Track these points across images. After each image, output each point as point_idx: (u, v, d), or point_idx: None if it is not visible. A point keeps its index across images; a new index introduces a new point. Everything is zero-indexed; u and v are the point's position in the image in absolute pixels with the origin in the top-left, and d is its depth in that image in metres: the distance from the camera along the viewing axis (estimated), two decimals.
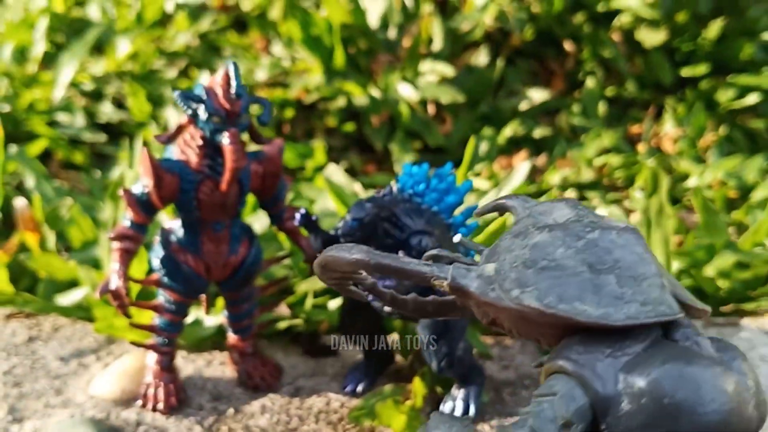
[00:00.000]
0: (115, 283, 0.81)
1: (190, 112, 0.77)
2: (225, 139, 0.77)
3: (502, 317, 0.47)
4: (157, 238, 0.86)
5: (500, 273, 0.45)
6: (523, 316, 0.44)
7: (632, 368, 0.42)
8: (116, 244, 0.82)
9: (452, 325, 0.84)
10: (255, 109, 0.82)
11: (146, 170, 0.80)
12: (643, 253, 0.46)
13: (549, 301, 0.43)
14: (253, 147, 0.88)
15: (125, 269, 0.82)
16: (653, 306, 0.43)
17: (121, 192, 0.81)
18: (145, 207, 0.81)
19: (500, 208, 0.55)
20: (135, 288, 1.03)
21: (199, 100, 0.77)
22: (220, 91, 0.77)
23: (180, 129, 0.80)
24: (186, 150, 0.81)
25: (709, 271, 1.10)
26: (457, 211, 0.89)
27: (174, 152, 0.82)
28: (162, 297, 0.89)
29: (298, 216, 0.81)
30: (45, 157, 1.74)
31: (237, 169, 0.78)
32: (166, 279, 0.86)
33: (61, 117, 1.75)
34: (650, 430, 0.41)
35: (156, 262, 0.86)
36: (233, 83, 0.77)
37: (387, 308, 0.86)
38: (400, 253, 0.80)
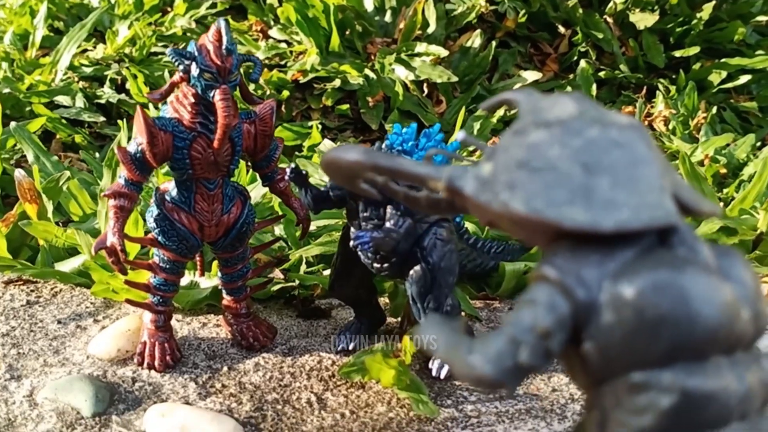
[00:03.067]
0: (111, 239, 0.83)
1: (182, 67, 0.79)
2: (216, 95, 0.79)
3: (497, 220, 0.45)
4: (153, 198, 0.88)
5: (494, 174, 0.42)
6: (512, 220, 0.41)
7: (618, 276, 0.39)
8: (111, 202, 0.84)
9: (440, 282, 0.86)
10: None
11: (140, 128, 0.82)
12: (645, 153, 0.42)
13: (536, 206, 0.40)
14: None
15: (120, 226, 0.83)
16: (647, 211, 0.39)
17: (115, 149, 0.83)
18: (139, 165, 0.83)
19: (505, 103, 0.51)
20: (133, 251, 1.05)
21: (191, 57, 0.79)
22: (211, 48, 0.79)
23: (172, 86, 0.82)
24: (179, 108, 0.83)
25: None
26: None
27: (167, 111, 0.84)
28: (157, 257, 0.91)
29: (288, 170, 0.83)
30: (46, 138, 1.76)
31: (228, 125, 0.79)
32: (160, 238, 0.88)
33: (61, 99, 1.77)
34: (631, 342, 0.38)
35: (151, 221, 0.88)
36: (224, 40, 0.79)
37: (376, 265, 0.88)
38: (389, 208, 0.82)
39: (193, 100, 0.82)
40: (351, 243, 0.83)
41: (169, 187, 0.89)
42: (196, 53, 0.79)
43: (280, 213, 1.14)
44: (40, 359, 0.94)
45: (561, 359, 0.42)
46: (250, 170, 1.30)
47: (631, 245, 0.40)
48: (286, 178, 0.85)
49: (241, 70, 0.84)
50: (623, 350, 0.39)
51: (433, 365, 0.93)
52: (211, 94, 0.80)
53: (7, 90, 1.72)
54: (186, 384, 0.91)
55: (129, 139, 1.41)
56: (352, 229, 0.86)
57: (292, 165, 0.84)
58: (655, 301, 0.38)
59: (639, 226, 0.39)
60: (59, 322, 1.02)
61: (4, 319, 1.02)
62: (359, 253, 0.88)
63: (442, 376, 0.92)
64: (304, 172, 0.84)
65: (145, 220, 0.93)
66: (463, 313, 1.03)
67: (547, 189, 0.40)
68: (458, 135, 0.51)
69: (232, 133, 0.84)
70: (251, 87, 1.66)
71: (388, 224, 0.82)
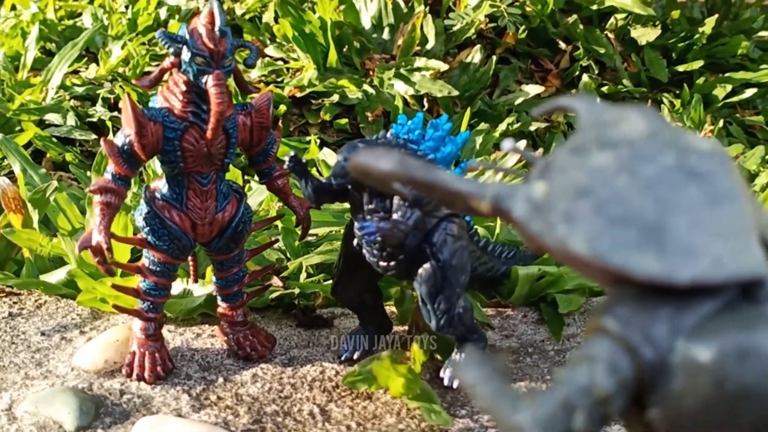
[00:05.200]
0: (96, 237, 0.77)
1: (172, 50, 0.74)
2: (210, 80, 0.74)
3: (550, 252, 0.38)
4: (142, 196, 0.83)
5: (549, 199, 0.36)
6: (568, 256, 0.35)
7: (694, 336, 0.33)
8: (97, 198, 0.78)
9: (451, 281, 0.80)
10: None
11: (128, 119, 0.77)
12: (728, 186, 0.35)
13: (599, 247, 0.33)
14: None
15: (107, 224, 0.78)
16: (731, 260, 0.33)
17: (102, 142, 0.78)
18: (127, 158, 0.78)
19: (562, 109, 0.45)
20: (123, 256, 0.99)
21: (182, 41, 0.74)
22: (203, 31, 0.74)
23: (162, 72, 0.77)
24: (169, 97, 0.78)
25: None
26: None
27: (157, 100, 0.79)
28: (147, 259, 0.85)
29: (287, 158, 0.78)
30: (36, 157, 1.71)
31: (222, 113, 0.74)
32: (150, 237, 0.82)
33: (52, 117, 1.73)
34: (706, 415, 0.32)
35: (140, 220, 0.82)
36: (218, 22, 0.74)
37: (382, 263, 0.82)
38: (396, 199, 0.77)
39: (184, 87, 0.77)
40: (356, 234, 0.77)
41: (160, 184, 0.84)
42: (188, 36, 0.75)
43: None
44: (21, 372, 0.87)
45: (621, 419, 0.36)
46: (246, 182, 1.25)
47: (710, 299, 0.34)
48: (285, 167, 0.79)
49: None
50: (696, 423, 0.33)
51: (445, 374, 0.87)
52: (204, 80, 0.75)
53: None
54: (178, 396, 0.84)
55: None
56: (356, 224, 0.80)
57: (291, 153, 0.78)
58: (738, 369, 0.31)
59: (721, 279, 0.33)
60: (43, 334, 0.95)
61: None
62: (364, 251, 0.82)
63: (454, 386, 0.85)
64: (304, 161, 0.78)
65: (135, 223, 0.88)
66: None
67: (613, 227, 0.33)
68: (505, 144, 0.44)
69: (226, 124, 0.79)
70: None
71: (395, 216, 0.76)
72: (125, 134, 0.77)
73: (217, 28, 0.74)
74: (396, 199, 0.76)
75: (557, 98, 0.44)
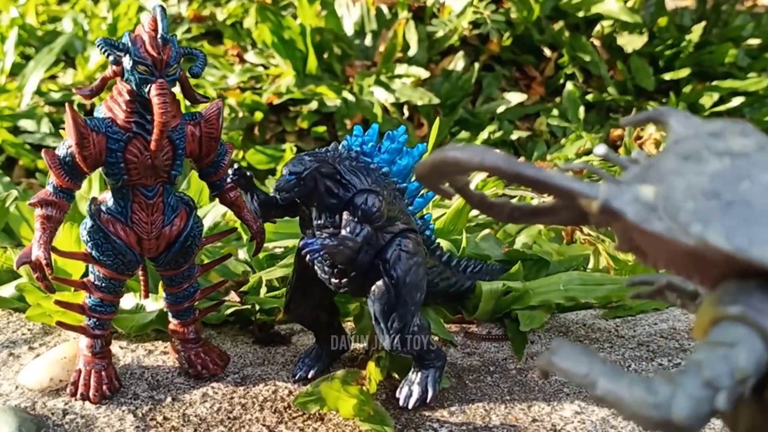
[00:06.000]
0: (36, 252, 0.74)
1: (112, 59, 0.71)
2: (153, 90, 0.71)
3: (656, 249, 0.40)
4: (87, 209, 0.80)
5: (669, 200, 0.38)
6: (695, 253, 0.37)
7: None
8: (38, 211, 0.75)
9: (405, 299, 0.77)
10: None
11: (69, 129, 0.74)
12: None
13: (739, 243, 0.36)
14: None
15: (47, 238, 0.75)
16: None
17: (42, 153, 0.75)
18: (69, 170, 0.75)
19: (656, 120, 0.47)
20: (76, 271, 0.96)
21: (124, 48, 0.72)
22: (146, 38, 0.72)
23: (104, 81, 0.74)
24: (113, 107, 0.75)
25: None
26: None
27: (101, 110, 0.76)
28: (92, 274, 0.82)
29: (230, 171, 0.75)
30: (9, 164, 1.69)
31: (166, 123, 0.71)
32: (94, 252, 0.79)
33: (26, 124, 1.70)
34: None
35: (84, 234, 0.79)
36: (161, 28, 0.71)
37: (334, 280, 0.79)
38: (345, 214, 0.74)
39: (128, 97, 0.74)
40: (301, 252, 0.74)
41: (107, 197, 0.81)
42: (130, 44, 0.72)
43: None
44: None
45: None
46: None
47: None
48: (229, 180, 0.76)
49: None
50: None
51: (401, 394, 0.83)
52: (147, 89, 0.72)
53: None
54: (123, 417, 0.81)
55: None
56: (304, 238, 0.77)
57: (235, 166, 0.75)
58: None
59: None
60: None
61: None
62: (316, 267, 0.79)
63: (410, 406, 0.82)
64: (248, 174, 0.75)
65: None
66: (435, 337, 0.94)
67: (748, 225, 0.37)
68: (598, 149, 0.44)
69: (172, 135, 0.76)
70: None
71: (343, 232, 0.73)
72: (66, 145, 0.75)
73: (159, 36, 0.71)
74: (345, 215, 0.73)
75: (650, 110, 0.47)
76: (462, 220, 1.05)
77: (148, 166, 0.76)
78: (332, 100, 1.70)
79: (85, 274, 0.97)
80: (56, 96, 1.82)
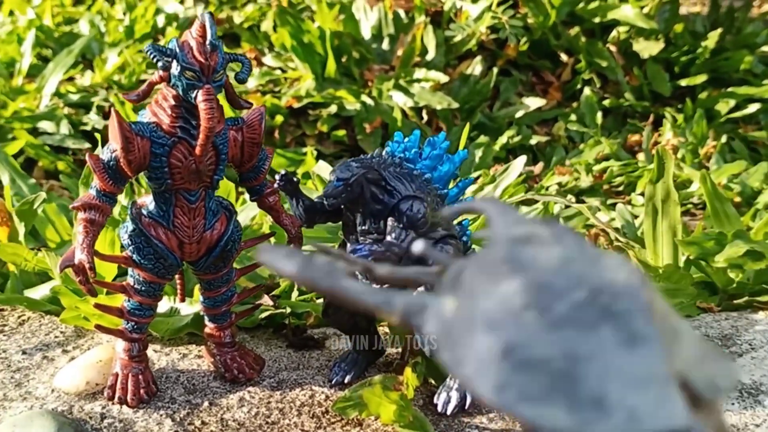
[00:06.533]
0: (79, 256, 0.74)
1: (161, 64, 0.71)
2: (199, 95, 0.71)
3: None
4: (128, 213, 0.80)
5: (455, 325, 0.33)
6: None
7: None
8: (80, 215, 0.75)
9: None
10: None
11: (114, 133, 0.74)
12: (646, 326, 0.32)
13: (507, 397, 0.31)
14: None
15: (90, 242, 0.75)
16: (649, 414, 0.30)
17: (87, 157, 0.75)
18: (113, 174, 0.75)
19: (472, 212, 0.42)
20: (109, 274, 0.96)
21: (172, 54, 0.72)
22: (194, 44, 0.72)
23: (151, 86, 0.74)
24: (158, 111, 0.75)
25: (720, 261, 1.04)
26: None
27: (145, 115, 0.76)
28: (132, 278, 0.82)
29: (278, 177, 0.75)
30: (28, 165, 1.69)
31: (212, 129, 0.72)
32: (135, 256, 0.79)
33: (45, 125, 1.70)
34: None
35: (125, 238, 0.79)
36: (209, 35, 0.71)
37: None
38: (390, 220, 0.74)
39: (173, 102, 0.74)
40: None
41: (147, 200, 0.81)
42: (178, 50, 0.72)
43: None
44: None
45: None
46: (240, 194, 1.23)
47: None
48: (276, 185, 0.76)
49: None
50: None
51: (439, 400, 0.84)
52: (193, 95, 0.72)
53: None
54: (161, 421, 0.81)
55: None
56: (349, 245, 0.77)
57: (283, 171, 0.76)
58: None
59: None
60: (24, 352, 0.92)
61: None
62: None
63: (448, 412, 0.82)
64: (296, 179, 0.75)
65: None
66: None
67: (522, 373, 0.31)
68: (416, 246, 0.40)
69: (216, 140, 0.77)
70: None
71: (389, 238, 0.73)
72: (111, 149, 0.75)
73: (208, 42, 0.71)
74: (390, 221, 0.73)
75: (471, 202, 0.40)
76: None
77: (192, 171, 0.76)
78: (352, 104, 1.70)
79: (116, 278, 0.98)
80: (74, 98, 1.82)
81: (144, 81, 1.91)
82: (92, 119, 1.75)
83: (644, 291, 0.32)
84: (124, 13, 2.17)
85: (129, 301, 0.82)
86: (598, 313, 0.31)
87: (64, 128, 1.70)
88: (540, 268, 0.32)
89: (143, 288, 0.81)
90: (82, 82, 1.91)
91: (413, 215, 0.73)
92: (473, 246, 0.93)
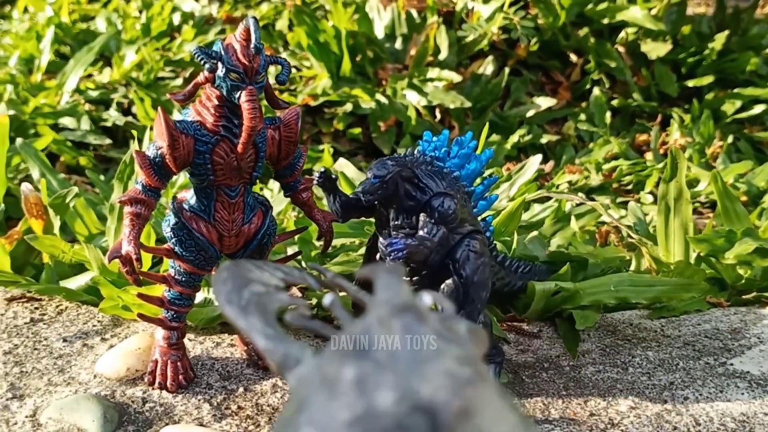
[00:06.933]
0: (126, 247, 0.78)
1: (208, 66, 0.75)
2: (243, 96, 0.75)
3: None
4: (170, 207, 0.84)
5: (293, 401, 0.32)
6: None
7: None
8: (127, 209, 0.79)
9: (473, 297, 0.81)
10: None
11: (160, 131, 0.78)
12: None
13: None
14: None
15: (137, 234, 0.79)
16: None
17: (134, 153, 0.79)
18: (158, 170, 0.79)
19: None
20: (145, 263, 1.00)
21: (218, 56, 0.76)
22: (238, 47, 0.76)
23: (196, 86, 0.78)
24: (201, 111, 0.79)
25: (729, 258, 1.08)
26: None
27: (189, 114, 0.80)
28: (173, 269, 0.86)
29: (317, 174, 0.79)
30: (50, 160, 1.72)
31: (254, 128, 0.75)
32: (177, 248, 0.83)
33: (66, 121, 1.74)
34: None
35: (168, 230, 0.83)
36: (253, 38, 0.75)
37: (405, 278, 0.84)
38: (422, 216, 0.78)
39: (217, 102, 0.78)
40: (383, 250, 0.78)
41: (187, 195, 0.85)
42: (223, 52, 0.76)
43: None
44: (44, 378, 0.88)
45: None
46: (260, 190, 1.26)
47: None
48: (315, 182, 0.80)
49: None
50: None
51: None
52: (237, 96, 0.76)
53: (12, 112, 1.68)
54: (200, 405, 0.85)
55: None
56: (380, 239, 0.81)
57: (322, 169, 0.80)
58: None
59: None
60: (65, 340, 0.96)
61: (7, 336, 0.97)
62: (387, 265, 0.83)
63: None
64: (334, 176, 0.79)
65: (156, 232, 0.89)
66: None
67: None
68: (326, 299, 0.40)
69: (256, 138, 0.80)
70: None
71: (421, 232, 0.77)
72: (157, 146, 0.78)
73: (252, 45, 0.75)
74: (422, 216, 0.77)
75: (374, 269, 0.39)
76: (515, 222, 1.10)
77: (234, 168, 0.80)
78: (367, 103, 1.74)
79: (151, 268, 1.02)
80: (94, 94, 1.86)
81: (161, 78, 1.94)
82: (112, 115, 1.79)
83: (449, 411, 0.29)
84: (140, 11, 2.21)
85: (169, 291, 0.86)
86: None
87: (85, 124, 1.74)
88: (376, 362, 0.30)
89: (183, 279, 0.85)
90: (101, 78, 1.95)
91: (444, 211, 0.77)
92: (494, 242, 0.98)
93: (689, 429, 0.84)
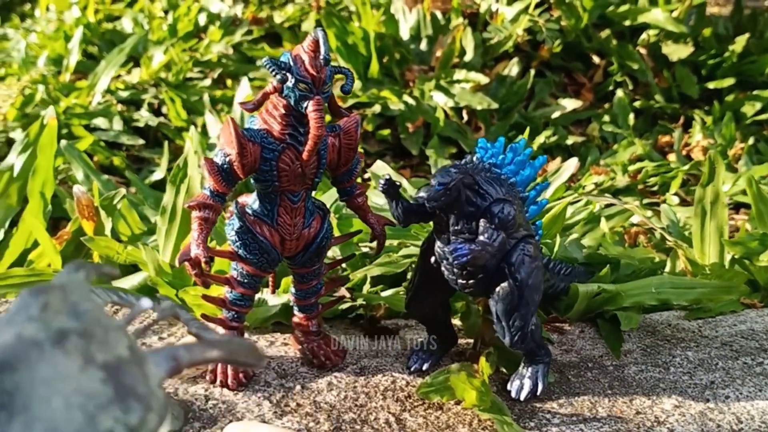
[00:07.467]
0: (195, 250, 0.81)
1: (279, 77, 0.78)
2: (310, 105, 0.78)
3: None
4: (234, 211, 0.87)
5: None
6: None
7: None
8: (195, 213, 0.82)
9: (527, 299, 0.84)
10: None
11: (229, 139, 0.81)
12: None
13: None
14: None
15: (204, 237, 0.82)
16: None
17: (202, 161, 0.82)
18: (226, 176, 0.82)
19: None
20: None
21: (287, 67, 0.78)
22: (306, 58, 0.78)
23: (266, 96, 0.81)
24: (268, 119, 0.82)
25: (763, 260, 1.11)
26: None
27: (255, 122, 0.83)
28: (235, 270, 0.89)
29: (381, 181, 0.82)
30: None
31: (320, 136, 0.78)
32: (241, 251, 0.86)
33: (99, 122, 1.77)
34: None
35: (232, 234, 0.86)
36: (322, 50, 0.78)
37: (461, 281, 0.87)
38: (482, 221, 0.81)
39: (283, 111, 0.81)
40: (441, 254, 0.81)
41: (249, 200, 0.88)
42: (292, 63, 0.79)
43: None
44: None
45: None
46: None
47: None
48: (379, 189, 0.83)
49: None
50: None
51: (512, 387, 0.91)
52: (305, 105, 0.79)
53: (44, 112, 1.71)
54: (260, 402, 0.88)
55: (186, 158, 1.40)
56: (439, 243, 0.84)
57: (387, 176, 0.82)
58: None
59: None
60: None
61: None
62: (443, 269, 0.86)
63: (522, 398, 0.90)
64: (398, 183, 0.82)
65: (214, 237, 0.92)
66: None
67: None
68: (142, 303, 0.43)
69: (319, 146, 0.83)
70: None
71: (481, 238, 0.80)
72: (225, 153, 0.81)
73: (321, 57, 0.78)
74: (482, 222, 0.80)
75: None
76: (558, 225, 1.13)
77: (298, 174, 0.83)
78: (395, 104, 1.77)
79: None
80: (124, 94, 1.89)
81: (189, 79, 1.97)
82: (143, 116, 1.82)
83: None
84: (166, 12, 2.24)
85: (231, 292, 0.89)
86: None
87: (117, 124, 1.77)
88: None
89: (246, 280, 0.88)
90: (130, 79, 1.97)
91: (504, 217, 0.80)
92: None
93: (732, 427, 0.87)
